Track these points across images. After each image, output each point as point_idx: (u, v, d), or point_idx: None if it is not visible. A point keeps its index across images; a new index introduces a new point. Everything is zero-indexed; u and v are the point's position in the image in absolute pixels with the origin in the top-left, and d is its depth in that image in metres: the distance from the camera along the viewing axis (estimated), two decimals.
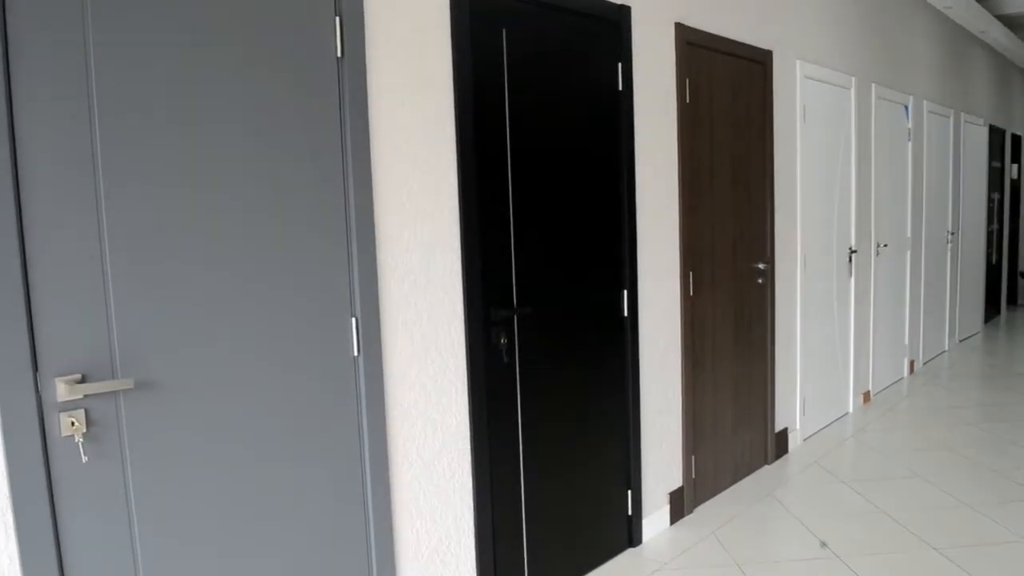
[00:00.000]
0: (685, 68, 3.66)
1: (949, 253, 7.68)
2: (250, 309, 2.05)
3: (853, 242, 5.48)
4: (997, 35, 8.31)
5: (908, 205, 6.53)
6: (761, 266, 4.37)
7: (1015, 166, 10.53)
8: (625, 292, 3.38)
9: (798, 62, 4.65)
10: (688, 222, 3.72)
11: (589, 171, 3.16)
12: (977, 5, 7.33)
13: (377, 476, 2.37)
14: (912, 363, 6.79)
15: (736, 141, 4.10)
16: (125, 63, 1.80)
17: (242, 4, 2.00)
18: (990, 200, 9.25)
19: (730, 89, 4.03)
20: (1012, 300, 10.91)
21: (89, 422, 1.77)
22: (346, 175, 2.25)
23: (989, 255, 9.35)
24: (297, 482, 2.17)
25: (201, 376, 1.96)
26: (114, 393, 1.81)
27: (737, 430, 4.24)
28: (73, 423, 1.73)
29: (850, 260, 5.46)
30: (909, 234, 6.57)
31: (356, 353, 2.31)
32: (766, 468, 4.48)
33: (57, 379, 1.71)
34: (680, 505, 3.77)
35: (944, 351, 7.72)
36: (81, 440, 1.75)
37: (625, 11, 3.27)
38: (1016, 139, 10.44)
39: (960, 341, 8.23)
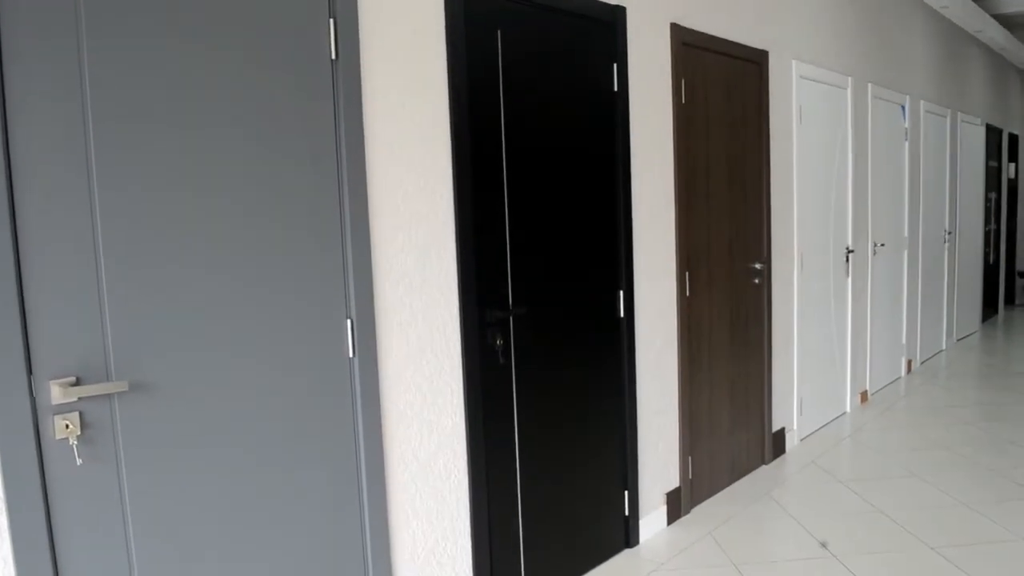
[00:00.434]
0: (681, 69, 3.66)
1: (946, 253, 7.69)
2: (244, 311, 2.05)
3: (850, 242, 5.48)
4: (994, 34, 8.32)
5: (905, 205, 6.53)
6: (758, 266, 4.38)
7: (1012, 165, 10.55)
8: (621, 292, 3.38)
9: (794, 62, 4.66)
10: (684, 222, 3.73)
11: (585, 172, 3.16)
12: (974, 4, 7.34)
13: (373, 477, 2.37)
14: (909, 363, 6.80)
15: (732, 141, 4.10)
16: (119, 66, 1.80)
17: (236, 7, 2.00)
18: (987, 200, 9.25)
19: (726, 89, 4.04)
20: (1010, 299, 10.92)
21: (84, 425, 1.77)
22: (341, 177, 2.25)
23: (987, 255, 9.36)
24: (293, 484, 2.17)
25: (196, 378, 1.96)
26: (109, 396, 1.81)
27: (734, 430, 4.24)
28: (67, 426, 1.73)
29: (847, 260, 5.46)
30: (906, 234, 6.57)
31: (351, 355, 2.31)
32: (763, 468, 4.48)
33: (51, 382, 1.71)
34: (677, 505, 3.77)
35: (942, 350, 7.72)
36: (75, 443, 1.75)
37: (620, 12, 3.27)
38: (1013, 138, 10.45)
39: (958, 340, 8.24)
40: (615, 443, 3.40)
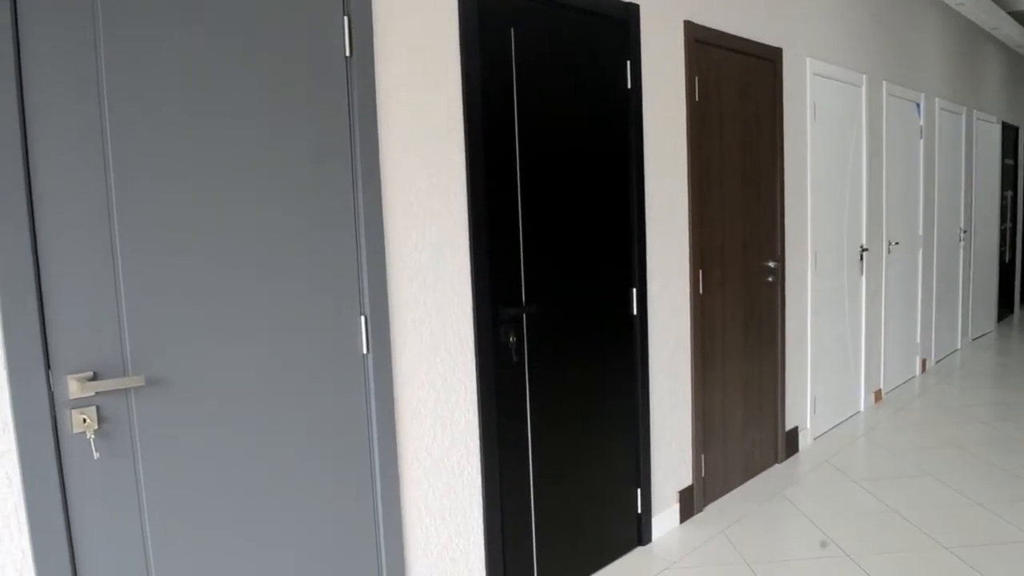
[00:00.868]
0: (694, 66, 3.66)
1: (961, 251, 7.64)
2: (260, 307, 2.06)
3: (864, 240, 5.46)
4: (1010, 31, 8.26)
5: (920, 203, 6.49)
6: (771, 264, 4.36)
7: None
8: (634, 291, 3.38)
9: (808, 59, 4.64)
10: (698, 220, 3.72)
11: (598, 169, 3.16)
12: (989, 1, 7.28)
13: (386, 473, 2.38)
14: (924, 362, 6.76)
15: (746, 139, 4.09)
16: (135, 62, 1.81)
17: (251, 4, 2.01)
18: (1003, 198, 9.19)
19: (740, 87, 4.02)
20: None
21: (100, 419, 1.79)
22: (355, 174, 2.26)
23: (1002, 253, 9.29)
24: (307, 478, 2.19)
25: (211, 373, 1.97)
26: (125, 390, 1.82)
27: (747, 429, 4.23)
28: (85, 420, 1.75)
29: (861, 258, 5.43)
30: (921, 232, 6.53)
31: (365, 351, 2.32)
32: (776, 467, 4.47)
33: (69, 376, 1.73)
34: (690, 503, 3.76)
35: (956, 350, 7.67)
36: (93, 437, 1.77)
37: (633, 9, 3.27)
38: None
39: (972, 340, 8.19)
40: (628, 441, 3.40)
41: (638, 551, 3.43)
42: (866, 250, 5.47)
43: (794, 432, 4.66)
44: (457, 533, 2.65)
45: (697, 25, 3.66)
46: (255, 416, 2.06)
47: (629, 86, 3.28)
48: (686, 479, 3.75)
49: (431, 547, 2.56)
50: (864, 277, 5.48)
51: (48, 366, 1.70)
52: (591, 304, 3.16)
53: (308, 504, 2.19)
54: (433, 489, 2.56)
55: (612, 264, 3.26)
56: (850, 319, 5.36)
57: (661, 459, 3.58)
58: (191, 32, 1.90)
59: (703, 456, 3.87)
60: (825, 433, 5.07)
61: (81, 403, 1.75)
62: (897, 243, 6.03)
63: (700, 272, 3.78)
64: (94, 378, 1.77)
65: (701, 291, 3.80)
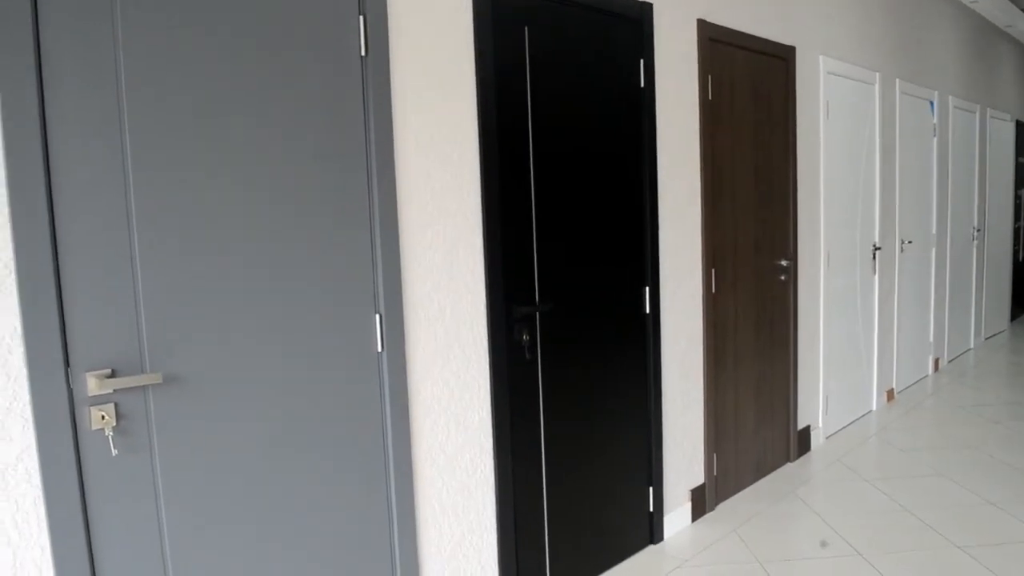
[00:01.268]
0: (707, 65, 3.65)
1: (975, 250, 7.60)
2: (276, 305, 2.07)
3: (877, 239, 5.44)
4: None
5: (933, 201, 6.46)
6: (784, 263, 4.35)
7: None
8: (647, 289, 3.38)
9: (821, 58, 4.62)
10: (710, 219, 3.71)
11: (611, 168, 3.16)
12: None
13: (400, 470, 2.39)
14: (937, 361, 6.73)
15: (759, 137, 4.08)
16: (153, 64, 1.82)
17: (268, 5, 2.02)
18: (1017, 197, 9.13)
19: (752, 85, 4.01)
20: None
21: (119, 416, 1.80)
22: (370, 173, 2.27)
23: (1016, 252, 9.23)
24: (322, 475, 2.20)
25: (228, 370, 1.99)
26: (143, 387, 1.84)
27: (759, 428, 4.23)
28: (103, 417, 1.76)
29: (874, 257, 5.41)
30: (934, 231, 6.50)
31: (380, 349, 2.33)
32: (788, 466, 4.46)
33: (88, 374, 1.74)
34: (702, 502, 3.76)
35: (969, 349, 7.64)
36: (111, 433, 1.78)
37: (647, 8, 3.26)
38: None
39: (986, 339, 8.14)
40: (640, 439, 3.40)
41: (650, 549, 3.43)
42: (879, 249, 5.45)
43: (806, 431, 4.65)
44: (470, 530, 2.65)
45: (710, 24, 3.65)
46: (271, 413, 2.08)
47: (642, 85, 3.28)
48: (698, 478, 3.75)
49: (444, 544, 2.57)
50: (877, 276, 5.46)
51: (67, 363, 1.72)
52: (604, 303, 3.17)
53: (323, 500, 2.20)
54: (447, 487, 2.57)
55: (625, 263, 3.26)
56: (863, 318, 5.34)
57: (673, 458, 3.58)
58: (206, 31, 1.91)
59: (715, 455, 3.86)
60: (837, 432, 5.06)
61: (99, 400, 1.77)
62: (910, 242, 6.01)
63: (713, 271, 3.77)
64: (112, 375, 1.79)
65: (714, 290, 3.79)
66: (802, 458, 4.58)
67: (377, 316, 2.31)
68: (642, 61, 3.27)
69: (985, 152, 7.73)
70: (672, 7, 3.42)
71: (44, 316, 1.67)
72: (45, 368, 1.67)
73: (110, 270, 1.77)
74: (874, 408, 5.56)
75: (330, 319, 2.20)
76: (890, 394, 5.81)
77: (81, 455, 1.75)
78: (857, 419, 5.34)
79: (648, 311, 3.39)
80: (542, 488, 2.92)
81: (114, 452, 1.79)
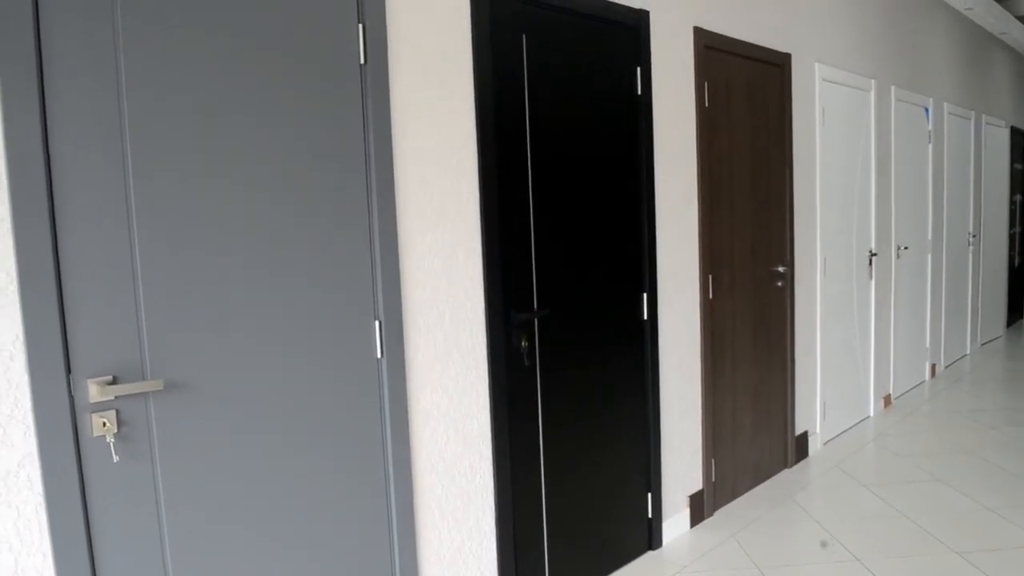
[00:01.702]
0: (704, 72, 3.67)
1: (970, 256, 7.62)
2: (276, 312, 2.08)
3: (873, 245, 5.46)
4: (1018, 36, 8.25)
5: (929, 207, 6.49)
6: (780, 269, 4.37)
7: None
8: (645, 296, 3.39)
9: (817, 65, 4.65)
10: (707, 225, 3.73)
11: (608, 175, 3.18)
12: (998, 6, 7.28)
13: (400, 477, 2.39)
14: (933, 367, 6.74)
15: (755, 144, 4.10)
16: (153, 69, 1.83)
17: (269, 12, 2.03)
18: (1012, 202, 9.16)
19: (748, 92, 4.04)
20: None
21: (120, 422, 1.81)
22: (369, 179, 2.28)
23: (1011, 258, 9.26)
24: (322, 481, 2.20)
25: (229, 377, 1.99)
26: (144, 394, 1.84)
27: (757, 433, 4.24)
28: (104, 423, 1.77)
29: (870, 263, 5.43)
30: (930, 237, 6.53)
31: (379, 355, 2.33)
32: (786, 472, 4.47)
33: (89, 381, 1.75)
34: (700, 508, 3.77)
35: (966, 355, 7.66)
36: (112, 440, 1.79)
37: (644, 16, 3.28)
38: None
39: (982, 345, 8.17)
40: (638, 445, 3.40)
41: (648, 556, 3.44)
42: (875, 255, 5.47)
43: (804, 437, 4.66)
44: (470, 537, 2.66)
45: (706, 31, 3.68)
46: (271, 420, 2.08)
47: (639, 92, 3.30)
48: (696, 484, 3.76)
49: (444, 550, 2.57)
50: (873, 282, 5.48)
51: (69, 370, 1.72)
52: (602, 309, 3.18)
53: (323, 507, 2.21)
54: (446, 493, 2.57)
55: (623, 269, 3.28)
56: (859, 324, 5.36)
57: (671, 464, 3.59)
58: (207, 37, 1.92)
59: (713, 461, 3.87)
60: (835, 438, 5.07)
61: (101, 407, 1.77)
62: (906, 248, 6.03)
63: (710, 277, 3.79)
64: (113, 382, 1.79)
65: (711, 296, 3.81)
66: (800, 464, 4.59)
67: (377, 322, 2.32)
68: (639, 68, 3.29)
69: (980, 158, 7.77)
70: (669, 15, 3.45)
71: (46, 323, 1.67)
72: (47, 375, 1.68)
73: (111, 277, 1.78)
74: (871, 414, 5.57)
75: (330, 325, 2.20)
76: (887, 400, 5.82)
77: (82, 462, 1.75)
78: (854, 425, 5.35)
79: (646, 317, 3.40)
80: (541, 494, 2.92)
81: (115, 459, 1.80)
